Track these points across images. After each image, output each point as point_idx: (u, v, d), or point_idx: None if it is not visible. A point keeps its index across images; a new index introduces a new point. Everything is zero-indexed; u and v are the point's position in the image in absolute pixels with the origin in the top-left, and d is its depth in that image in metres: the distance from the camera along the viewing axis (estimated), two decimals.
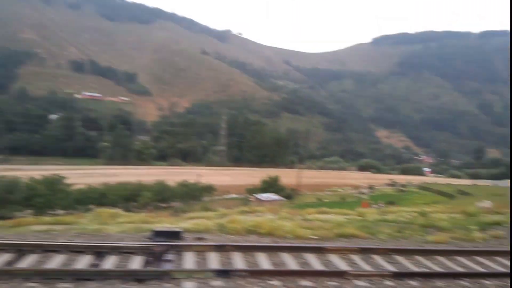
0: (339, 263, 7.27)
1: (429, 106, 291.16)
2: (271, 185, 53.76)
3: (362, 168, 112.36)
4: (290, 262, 7.18)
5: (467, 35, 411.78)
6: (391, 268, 7.17)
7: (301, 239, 8.94)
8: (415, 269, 7.28)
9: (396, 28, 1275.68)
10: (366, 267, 7.17)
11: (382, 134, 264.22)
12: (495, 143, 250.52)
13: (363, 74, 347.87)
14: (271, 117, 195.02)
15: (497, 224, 12.98)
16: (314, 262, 7.26)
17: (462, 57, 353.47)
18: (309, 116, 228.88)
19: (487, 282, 6.72)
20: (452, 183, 69.49)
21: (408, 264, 7.53)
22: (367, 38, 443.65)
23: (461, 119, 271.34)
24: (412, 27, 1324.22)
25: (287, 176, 59.36)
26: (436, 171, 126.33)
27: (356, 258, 7.60)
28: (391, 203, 33.51)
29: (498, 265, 7.93)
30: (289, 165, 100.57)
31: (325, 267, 7.05)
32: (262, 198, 45.86)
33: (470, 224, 11.88)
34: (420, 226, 11.24)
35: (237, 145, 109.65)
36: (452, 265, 7.71)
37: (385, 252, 7.95)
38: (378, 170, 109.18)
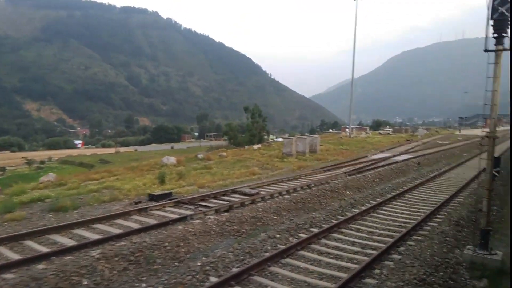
0: None
1: (81, 77, 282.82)
2: None
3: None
4: None
5: (111, 8, 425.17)
6: None
7: None
8: None
9: None
10: None
11: (31, 106, 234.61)
12: (145, 112, 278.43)
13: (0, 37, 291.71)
14: None
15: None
16: None
17: (108, 29, 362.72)
18: None
19: None
20: (99, 153, 67.68)
21: None
22: None
23: (112, 90, 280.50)
24: None
25: None
26: (89, 142, 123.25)
27: None
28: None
29: None
30: None
31: None
32: None
33: None
34: None
35: None
36: None
37: None
38: (19, 148, 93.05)
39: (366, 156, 26.01)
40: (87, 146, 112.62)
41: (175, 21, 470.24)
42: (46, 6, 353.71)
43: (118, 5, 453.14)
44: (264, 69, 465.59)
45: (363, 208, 12.64)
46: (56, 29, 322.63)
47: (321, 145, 33.56)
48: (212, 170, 19.47)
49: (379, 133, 64.64)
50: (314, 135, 29.38)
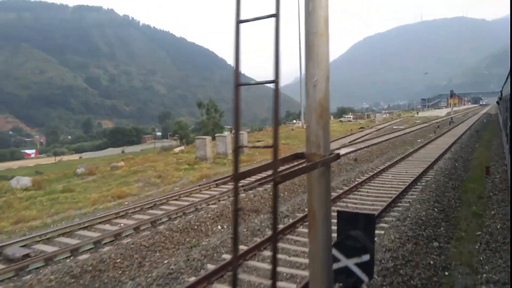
0: None
1: (36, 82, 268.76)
2: None
3: None
4: None
5: (63, 8, 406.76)
6: None
7: None
8: None
9: None
10: None
11: None
12: (107, 115, 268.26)
13: None
14: None
15: None
16: None
17: (61, 30, 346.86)
18: None
19: None
20: (45, 162, 62.17)
21: None
22: None
23: (71, 94, 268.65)
24: None
25: None
26: (45, 151, 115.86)
27: None
28: None
29: None
30: None
31: None
32: None
33: None
34: None
35: None
36: None
37: None
38: None
39: (302, 153, 22.65)
40: (40, 156, 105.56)
41: (132, 18, 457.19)
42: None
43: (71, 4, 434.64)
44: (229, 63, 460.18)
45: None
46: (5, 33, 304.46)
47: (259, 140, 30.37)
48: (70, 194, 14.13)
49: (340, 120, 62.75)
50: (242, 132, 24.67)
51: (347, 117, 66.42)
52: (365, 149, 21.34)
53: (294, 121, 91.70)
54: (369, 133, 33.32)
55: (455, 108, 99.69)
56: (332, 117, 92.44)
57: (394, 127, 38.64)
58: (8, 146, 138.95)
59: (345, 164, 16.76)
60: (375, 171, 14.64)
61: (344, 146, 24.08)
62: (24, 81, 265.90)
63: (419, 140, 26.32)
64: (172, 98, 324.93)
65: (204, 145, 20.97)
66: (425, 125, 40.37)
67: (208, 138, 21.11)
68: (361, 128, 39.34)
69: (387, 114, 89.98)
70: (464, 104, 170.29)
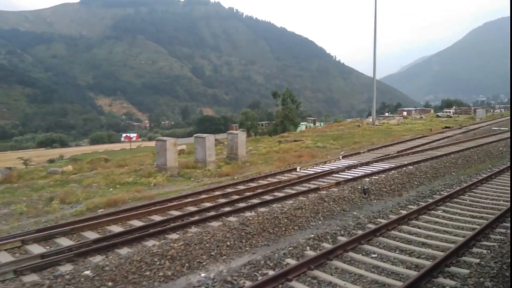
0: None
1: (148, 71, 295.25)
2: None
3: (42, 144, 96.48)
4: None
5: (174, 2, 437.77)
6: None
7: None
8: None
9: None
10: None
11: (103, 102, 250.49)
12: (208, 103, 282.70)
13: (75, 37, 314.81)
14: None
15: None
16: None
17: (172, 23, 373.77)
18: (5, 88, 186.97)
19: None
20: (117, 148, 65.27)
21: None
22: None
23: (178, 83, 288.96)
24: None
25: None
26: (145, 134, 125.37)
27: None
28: None
29: None
30: None
31: None
32: None
33: None
34: None
35: None
36: None
37: None
38: (62, 144, 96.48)
39: (295, 169, 14.44)
40: (143, 139, 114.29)
41: (236, 10, 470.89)
42: (115, 5, 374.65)
43: None
44: (328, 52, 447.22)
45: None
46: (125, 27, 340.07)
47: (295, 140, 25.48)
48: None
49: (437, 115, 54.08)
50: (233, 132, 19.20)
51: (447, 112, 56.81)
52: (412, 166, 13.82)
53: (386, 114, 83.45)
54: (444, 138, 24.49)
55: None
56: (432, 111, 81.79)
57: (494, 128, 30.28)
58: (117, 130, 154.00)
59: (344, 201, 9.87)
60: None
61: (382, 159, 15.94)
62: (138, 71, 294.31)
63: (499, 155, 17.52)
64: (269, 87, 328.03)
65: (164, 149, 14.65)
66: None
67: (172, 140, 15.15)
68: (445, 127, 31.57)
69: (502, 110, 76.28)
70: None
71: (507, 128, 28.77)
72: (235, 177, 13.59)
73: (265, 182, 12.06)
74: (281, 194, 10.27)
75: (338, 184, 11.14)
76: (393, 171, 13.11)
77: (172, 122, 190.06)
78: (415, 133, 27.79)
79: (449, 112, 56.65)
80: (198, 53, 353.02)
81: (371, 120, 37.11)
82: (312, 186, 11.03)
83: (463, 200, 9.83)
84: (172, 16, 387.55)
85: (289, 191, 10.78)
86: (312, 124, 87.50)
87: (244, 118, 56.13)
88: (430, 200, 9.52)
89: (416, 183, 12.37)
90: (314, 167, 14.71)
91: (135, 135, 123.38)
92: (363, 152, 18.75)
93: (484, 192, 10.62)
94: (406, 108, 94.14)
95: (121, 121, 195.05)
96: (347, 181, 11.57)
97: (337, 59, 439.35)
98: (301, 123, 71.84)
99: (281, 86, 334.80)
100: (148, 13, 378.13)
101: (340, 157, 16.92)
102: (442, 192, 10.55)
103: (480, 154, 17.26)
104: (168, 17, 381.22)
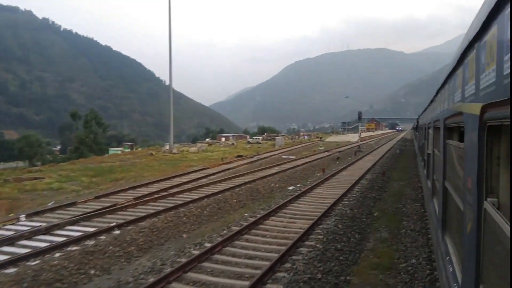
0: None
1: None
2: None
3: None
4: None
5: None
6: None
7: None
8: None
9: None
10: None
11: None
12: (12, 124, 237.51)
13: None
14: None
15: None
16: None
17: None
18: None
19: None
20: None
21: None
22: None
23: None
24: None
25: None
26: None
27: None
28: None
29: None
30: None
31: None
32: None
33: None
34: None
35: None
36: None
37: None
38: None
39: None
40: None
41: (52, 22, 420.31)
42: None
43: None
44: (157, 76, 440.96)
45: None
46: None
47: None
48: None
49: (248, 141, 55.38)
50: None
51: (257, 138, 58.70)
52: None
53: (207, 140, 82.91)
54: (228, 170, 22.54)
55: (369, 133, 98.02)
56: (248, 137, 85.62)
57: (283, 157, 29.89)
58: None
59: None
60: None
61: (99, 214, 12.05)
62: None
63: (290, 188, 16.85)
64: (91, 108, 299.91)
65: None
66: (323, 156, 32.39)
67: None
68: (238, 156, 29.38)
69: (305, 137, 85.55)
70: (382, 129, 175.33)
71: (295, 157, 29.75)
72: None
73: None
74: None
75: None
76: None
77: None
78: (208, 163, 24.82)
79: (259, 138, 58.74)
80: (1, 65, 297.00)
81: (168, 147, 33.30)
82: None
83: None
84: None
85: None
86: (129, 149, 79.89)
87: (24, 143, 44.04)
88: None
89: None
90: None
91: None
92: (85, 202, 13.72)
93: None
94: (224, 134, 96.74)
95: None
96: None
97: (166, 84, 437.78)
98: (113, 148, 63.77)
99: (106, 108, 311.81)
100: None
101: (22, 216, 11.22)
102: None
103: (244, 195, 15.02)
104: None
